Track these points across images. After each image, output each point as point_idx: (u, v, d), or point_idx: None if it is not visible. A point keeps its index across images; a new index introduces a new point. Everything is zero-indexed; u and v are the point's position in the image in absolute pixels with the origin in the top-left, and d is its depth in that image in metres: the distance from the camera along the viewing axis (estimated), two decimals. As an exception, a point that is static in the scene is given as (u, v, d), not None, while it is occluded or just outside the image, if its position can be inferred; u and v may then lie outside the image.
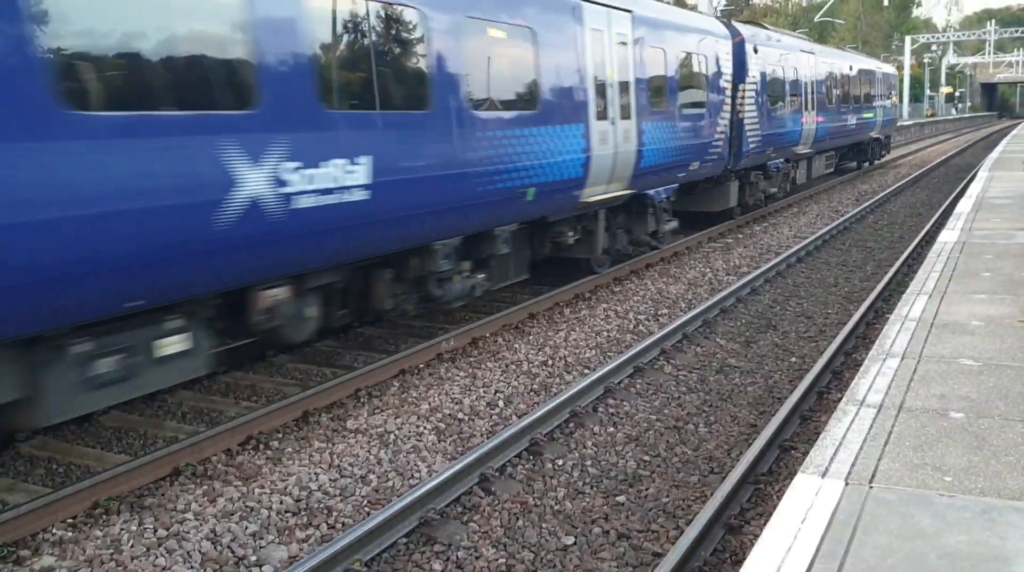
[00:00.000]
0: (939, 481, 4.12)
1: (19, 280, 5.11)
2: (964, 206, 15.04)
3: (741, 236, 17.49)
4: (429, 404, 7.85)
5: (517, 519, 5.94)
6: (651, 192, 13.57)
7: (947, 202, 21.41)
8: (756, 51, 18.04)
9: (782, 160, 20.46)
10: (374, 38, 7.69)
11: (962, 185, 23.73)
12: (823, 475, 4.20)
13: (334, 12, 7.30)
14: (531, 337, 10.03)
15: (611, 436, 7.37)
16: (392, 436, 7.16)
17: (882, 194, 24.12)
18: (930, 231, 16.99)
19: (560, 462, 6.80)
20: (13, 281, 5.08)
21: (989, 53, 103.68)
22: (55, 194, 5.19)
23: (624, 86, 12.25)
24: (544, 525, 5.87)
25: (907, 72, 68.54)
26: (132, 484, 6.18)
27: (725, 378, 9.02)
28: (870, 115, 29.35)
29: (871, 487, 4.06)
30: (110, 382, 6.03)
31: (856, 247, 16.55)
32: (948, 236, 11.79)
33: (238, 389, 8.31)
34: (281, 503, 6.00)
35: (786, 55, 20.22)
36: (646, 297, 12.14)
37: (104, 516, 5.84)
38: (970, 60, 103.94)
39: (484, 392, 8.19)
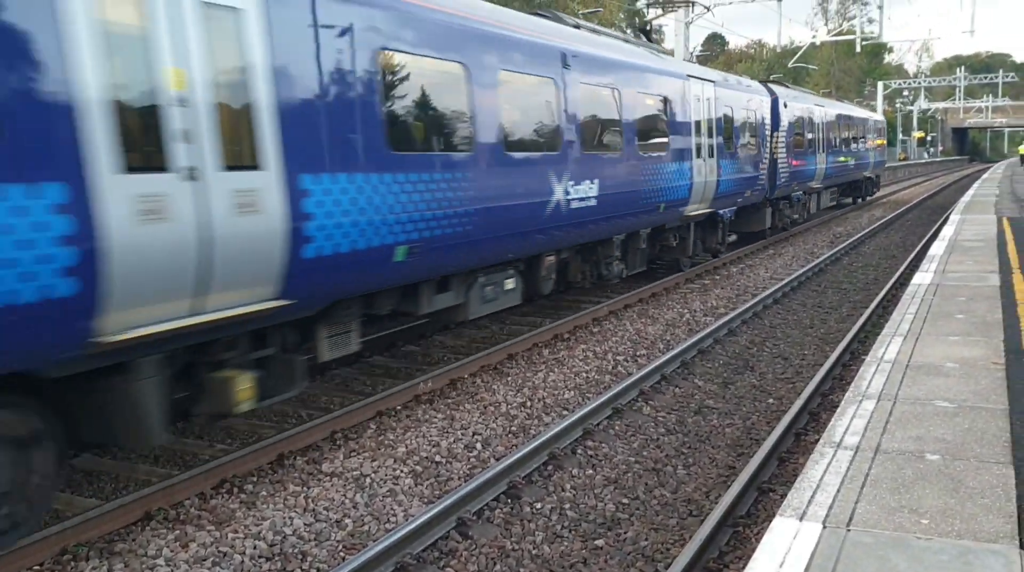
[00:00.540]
0: (916, 524, 4.12)
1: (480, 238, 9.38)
2: (937, 248, 15.24)
3: (718, 277, 17.61)
4: (406, 447, 7.79)
5: (495, 564, 5.87)
6: (722, 211, 18.22)
7: (920, 244, 21.68)
8: (786, 106, 23.02)
9: (801, 192, 25.68)
10: (613, 114, 13.05)
11: (935, 228, 24.07)
12: (801, 518, 4.19)
13: (591, 97, 12.30)
14: (510, 378, 10.01)
15: (590, 478, 7.34)
16: (368, 479, 7.08)
17: (857, 236, 24.40)
18: (904, 273, 17.17)
19: (538, 505, 6.75)
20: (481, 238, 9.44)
21: (959, 99, 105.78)
22: (494, 192, 9.67)
23: (709, 134, 16.85)
24: (522, 570, 5.81)
25: (879, 117, 69.91)
26: (102, 529, 6.06)
27: (703, 419, 9.02)
28: (865, 157, 34.97)
29: (849, 530, 4.06)
30: (489, 300, 10.54)
31: (831, 289, 16.70)
32: (922, 278, 11.93)
33: (212, 431, 8.21)
34: (255, 548, 5.91)
35: (805, 108, 25.43)
36: (625, 337, 12.16)
37: (72, 563, 5.72)
38: (941, 105, 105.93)
39: (462, 434, 8.14)
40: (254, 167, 6.49)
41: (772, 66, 72.30)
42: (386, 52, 8.00)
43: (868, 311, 13.47)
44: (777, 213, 23.76)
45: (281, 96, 6.72)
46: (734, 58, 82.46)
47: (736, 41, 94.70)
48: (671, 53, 19.08)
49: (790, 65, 57.44)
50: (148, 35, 5.74)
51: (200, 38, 6.09)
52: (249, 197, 6.41)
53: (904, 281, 15.33)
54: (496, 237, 9.83)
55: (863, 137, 34.83)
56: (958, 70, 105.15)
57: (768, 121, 21.42)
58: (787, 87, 26.28)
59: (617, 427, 8.56)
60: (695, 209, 16.32)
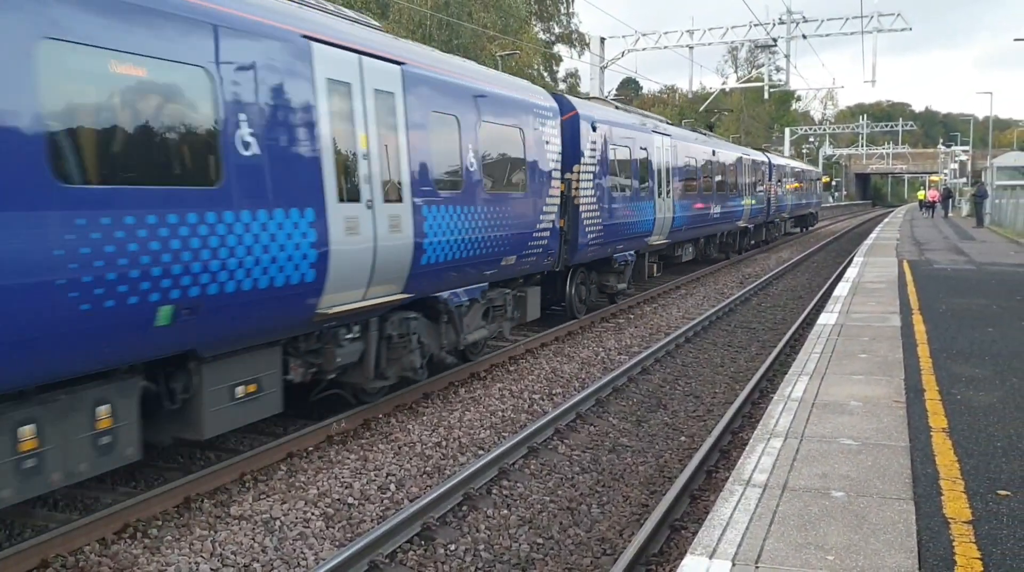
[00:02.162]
0: (822, 560, 4.21)
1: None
2: (841, 290, 15.79)
3: (632, 316, 17.86)
4: (317, 488, 7.62)
5: (407, 608, 5.76)
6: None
7: (826, 286, 22.42)
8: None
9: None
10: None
11: (840, 269, 24.95)
12: (711, 556, 4.24)
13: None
14: (425, 418, 9.92)
15: (505, 519, 7.29)
16: (278, 522, 6.90)
17: (765, 277, 25.11)
18: (810, 313, 17.71)
19: (452, 547, 6.67)
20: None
21: (862, 145, 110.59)
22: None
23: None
24: (435, 613, 5.72)
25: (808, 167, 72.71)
26: (-8, 580, 5.75)
27: (617, 457, 9.08)
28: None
29: (757, 567, 4.13)
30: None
31: (741, 328, 17.10)
32: (827, 318, 12.32)
33: (115, 474, 7.89)
34: (156, 597, 5.67)
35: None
36: (541, 376, 12.20)
37: (-42, 616, 5.39)
38: (845, 152, 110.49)
39: (375, 475, 8.01)
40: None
41: (684, 111, 74.42)
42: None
43: (776, 350, 13.83)
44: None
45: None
46: (648, 103, 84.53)
47: (650, 86, 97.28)
48: (586, 96, 19.45)
49: (701, 110, 59.16)
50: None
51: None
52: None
53: (810, 321, 15.82)
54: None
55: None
56: (861, 118, 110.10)
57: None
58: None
59: (532, 466, 8.55)
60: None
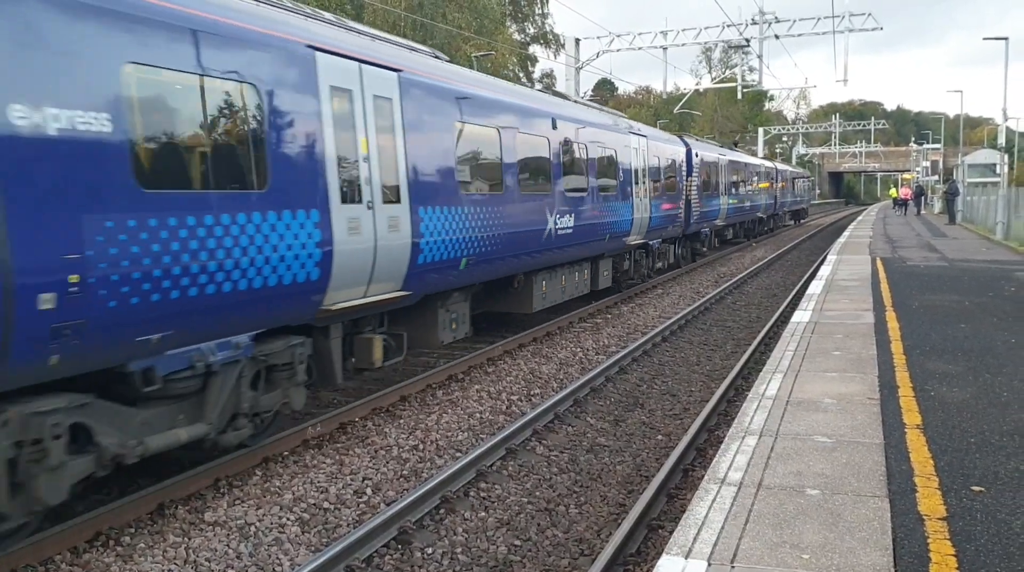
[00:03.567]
0: (797, 559, 4.22)
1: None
2: (815, 288, 15.90)
3: (610, 316, 17.89)
4: (293, 493, 7.56)
5: (384, 612, 5.72)
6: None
7: (800, 284, 22.56)
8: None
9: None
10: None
11: (813, 268, 25.12)
12: (687, 556, 4.24)
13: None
14: (402, 421, 9.87)
15: (482, 521, 7.27)
16: (253, 528, 6.84)
17: (740, 276, 25.24)
18: (784, 311, 17.82)
19: (429, 551, 6.64)
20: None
21: (835, 144, 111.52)
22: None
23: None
24: (412, 618, 5.68)
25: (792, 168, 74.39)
26: (-40, 591, 5.65)
27: (595, 457, 9.08)
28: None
29: (733, 567, 4.13)
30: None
31: (716, 327, 17.18)
32: (801, 316, 12.40)
33: (87, 482, 7.78)
34: (129, 606, 5.60)
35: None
36: (519, 377, 12.18)
37: (-75, 629, 5.30)
38: (818, 151, 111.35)
39: (351, 480, 7.96)
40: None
41: (659, 112, 74.69)
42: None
43: (751, 348, 13.90)
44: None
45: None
46: (623, 104, 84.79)
47: (624, 87, 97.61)
48: (564, 97, 19.60)
49: (676, 111, 59.39)
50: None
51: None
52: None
53: (785, 319, 15.91)
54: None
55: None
56: (833, 117, 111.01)
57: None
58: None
59: (510, 468, 8.53)
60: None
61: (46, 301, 5.58)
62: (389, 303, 9.71)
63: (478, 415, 10.24)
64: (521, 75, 51.23)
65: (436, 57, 11.90)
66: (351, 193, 8.75)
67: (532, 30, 56.32)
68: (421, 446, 9.03)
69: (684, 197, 25.04)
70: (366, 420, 9.83)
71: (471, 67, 15.14)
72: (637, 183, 19.85)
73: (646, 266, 22.29)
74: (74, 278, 5.75)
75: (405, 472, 8.28)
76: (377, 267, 9.20)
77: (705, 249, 30.22)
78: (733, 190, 33.46)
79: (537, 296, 14.76)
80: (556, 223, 14.56)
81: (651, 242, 21.80)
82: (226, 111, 7.31)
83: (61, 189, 5.68)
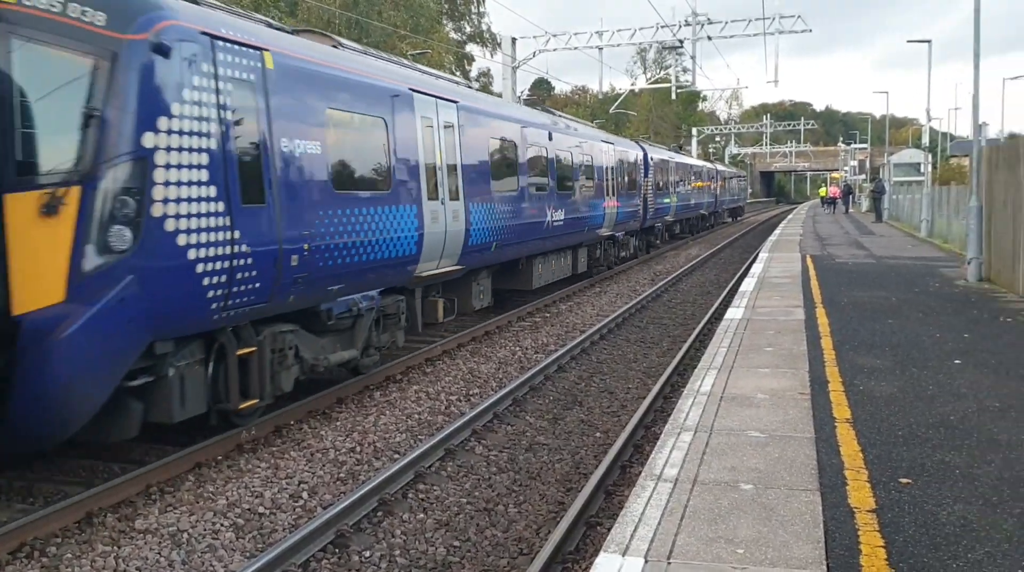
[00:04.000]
0: (732, 554, 4.28)
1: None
2: (748, 285, 16.19)
3: (548, 315, 17.96)
4: (227, 499, 7.41)
5: (321, 618, 5.64)
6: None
7: (733, 281, 22.94)
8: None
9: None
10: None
11: (746, 265, 25.57)
12: (624, 553, 4.27)
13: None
14: (339, 423, 9.76)
15: (421, 523, 7.23)
16: (186, 535, 6.69)
17: (675, 274, 25.58)
18: (719, 308, 18.09)
19: (367, 554, 6.57)
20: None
21: (766, 144, 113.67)
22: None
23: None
24: (350, 622, 5.62)
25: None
26: None
27: (534, 456, 9.10)
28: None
29: (669, 563, 4.17)
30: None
31: (653, 324, 17.37)
32: (734, 313, 12.61)
33: (11, 491, 7.54)
34: (55, 619, 5.43)
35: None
36: (458, 377, 12.15)
37: None
38: (750, 150, 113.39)
39: (287, 484, 7.84)
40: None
41: (595, 112, 75.24)
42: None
43: (686, 345, 14.08)
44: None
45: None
46: (560, 103, 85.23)
47: (561, 87, 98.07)
48: (500, 96, 19.82)
49: (611, 111, 59.90)
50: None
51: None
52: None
53: (718, 316, 16.15)
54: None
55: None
56: (765, 117, 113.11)
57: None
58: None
59: (449, 468, 8.50)
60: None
61: (295, 261, 8.89)
62: (449, 274, 13.40)
63: (416, 416, 10.18)
64: (458, 73, 51.13)
65: (475, 88, 15.84)
66: (432, 193, 12.31)
67: (469, 29, 56.26)
68: (358, 448, 8.94)
69: (642, 195, 28.83)
70: (302, 423, 9.69)
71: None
72: (608, 183, 23.68)
73: (613, 255, 26.19)
74: (306, 247, 9.09)
75: (342, 475, 8.18)
76: (446, 246, 12.81)
77: (658, 242, 34.70)
78: (681, 189, 38.26)
79: (535, 276, 18.39)
80: (552, 217, 18.36)
81: (617, 234, 25.61)
82: (371, 136, 10.87)
83: (303, 190, 9.22)
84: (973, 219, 16.57)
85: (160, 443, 8.85)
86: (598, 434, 9.92)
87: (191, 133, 7.62)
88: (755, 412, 7.07)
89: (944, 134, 77.52)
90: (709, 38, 33.36)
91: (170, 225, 7.34)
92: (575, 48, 34.03)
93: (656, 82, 62.59)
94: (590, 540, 6.85)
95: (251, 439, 8.94)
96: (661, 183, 33.02)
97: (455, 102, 13.52)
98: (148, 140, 7.17)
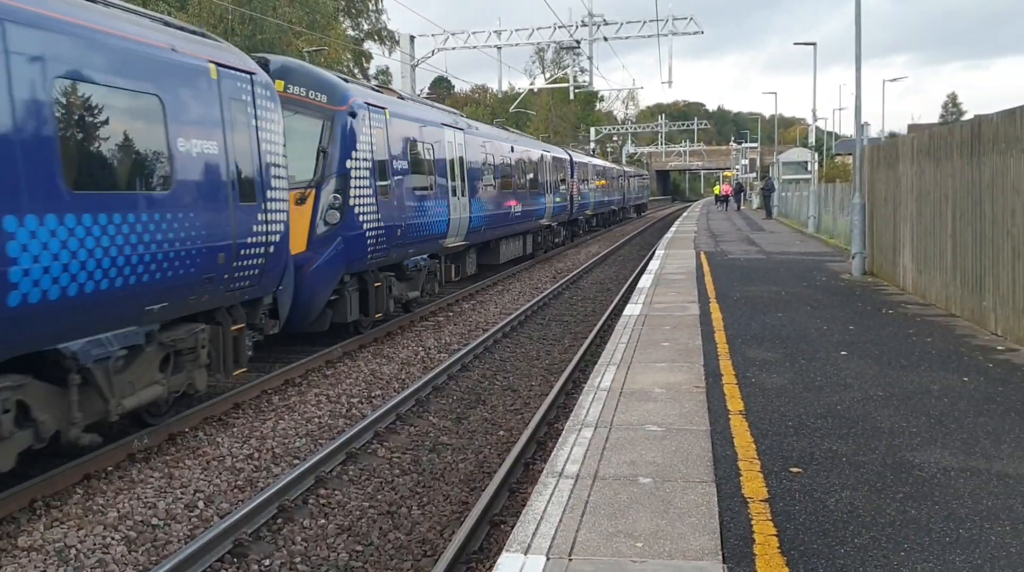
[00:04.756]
0: (631, 548, 4.35)
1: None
2: (645, 281, 16.52)
3: (451, 314, 17.94)
4: (118, 511, 7.14)
5: (219, 630, 5.49)
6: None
7: (631, 278, 23.36)
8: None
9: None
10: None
11: (643, 262, 26.08)
12: (526, 551, 4.29)
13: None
14: (236, 429, 9.52)
15: (322, 529, 7.11)
16: (73, 551, 6.41)
17: (576, 271, 25.90)
18: (618, 305, 18.38)
19: (267, 562, 6.43)
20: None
21: (661, 143, 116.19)
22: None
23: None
24: (250, 633, 5.48)
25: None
26: None
27: (438, 457, 9.07)
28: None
29: (571, 559, 4.21)
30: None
31: (555, 321, 17.54)
32: (632, 309, 12.84)
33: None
34: (-70, 646, 5.13)
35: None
36: (359, 379, 12.01)
37: None
38: (646, 150, 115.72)
39: (182, 493, 7.60)
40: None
41: (496, 111, 75.49)
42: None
43: (587, 341, 14.27)
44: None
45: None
46: (460, 102, 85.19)
47: (461, 86, 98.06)
48: (399, 95, 19.98)
49: (511, 110, 60.23)
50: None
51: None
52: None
53: (618, 312, 16.41)
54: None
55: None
56: (660, 117, 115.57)
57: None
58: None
59: (351, 472, 8.39)
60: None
61: (399, 232, 14.79)
62: (459, 247, 19.40)
63: (317, 420, 10.02)
64: (356, 71, 50.51)
65: (372, 87, 18.18)
66: (454, 190, 18.29)
67: (367, 26, 55.68)
68: (256, 455, 8.74)
69: (570, 193, 35.49)
70: (197, 430, 9.42)
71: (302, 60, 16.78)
72: (547, 183, 30.35)
73: (550, 241, 32.80)
74: (403, 225, 15.01)
75: (240, 482, 7.98)
76: (460, 228, 18.64)
77: (582, 231, 42.25)
78: (597, 187, 45.38)
79: (502, 253, 24.87)
80: (515, 209, 25.04)
81: (553, 224, 32.39)
82: (432, 156, 17.35)
83: (402, 190, 15.27)
84: (856, 215, 17.30)
85: (45, 455, 8.47)
86: (502, 432, 9.96)
87: (364, 158, 13.48)
88: (653, 406, 7.21)
89: (830, 133, 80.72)
90: (605, 39, 33.91)
91: (356, 210, 13.16)
92: (474, 47, 34.10)
93: (555, 82, 63.24)
94: (494, 539, 6.87)
95: (144, 448, 8.64)
96: (582, 182, 39.65)
97: (461, 129, 20.19)
98: (348, 164, 13.04)
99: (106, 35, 7.54)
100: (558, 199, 32.34)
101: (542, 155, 30.27)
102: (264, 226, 10.03)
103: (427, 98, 29.79)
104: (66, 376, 7.18)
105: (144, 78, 7.96)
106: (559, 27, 33.81)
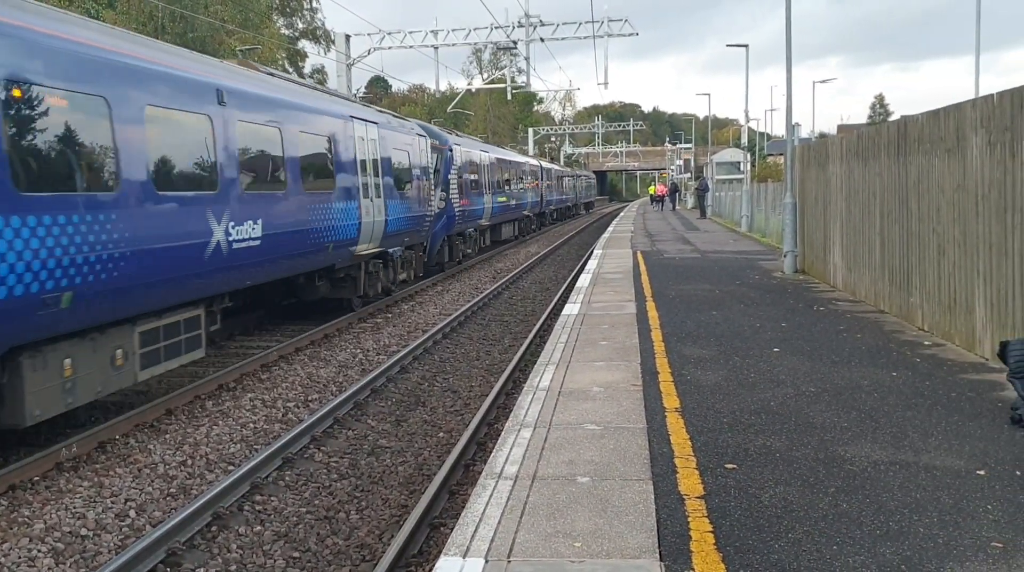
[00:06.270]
0: (570, 548, 4.36)
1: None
2: (583, 281, 16.61)
3: (391, 315, 17.81)
4: (45, 522, 6.92)
5: (152, 643, 5.36)
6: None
7: (570, 278, 23.50)
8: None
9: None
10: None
11: (582, 262, 26.26)
12: (464, 555, 4.27)
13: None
14: (168, 436, 9.31)
15: (258, 536, 6.99)
16: (-3, 566, 6.19)
17: (515, 271, 25.95)
18: (557, 304, 18.49)
19: (201, 571, 6.30)
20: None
21: (598, 144, 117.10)
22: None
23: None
24: (183, 645, 5.36)
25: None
26: None
27: (376, 460, 8.99)
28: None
29: (510, 561, 4.20)
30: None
31: (495, 322, 17.55)
32: (571, 309, 12.90)
33: None
34: None
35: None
36: (296, 383, 11.84)
37: None
38: (584, 150, 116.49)
39: (112, 502, 7.40)
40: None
41: (433, 111, 75.23)
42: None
43: (527, 341, 14.30)
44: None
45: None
46: (397, 102, 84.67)
47: (399, 86, 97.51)
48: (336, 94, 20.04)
49: (449, 110, 60.10)
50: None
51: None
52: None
53: (557, 312, 16.48)
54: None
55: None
56: (596, 118, 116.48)
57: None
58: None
59: (288, 478, 8.27)
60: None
61: (459, 218, 26.31)
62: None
63: (252, 425, 9.86)
64: (291, 70, 49.84)
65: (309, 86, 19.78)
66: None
67: (301, 25, 54.99)
68: (190, 461, 8.56)
69: (540, 191, 47.67)
70: (128, 437, 9.19)
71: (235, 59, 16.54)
72: (528, 182, 42.21)
73: (528, 227, 43.78)
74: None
75: (173, 490, 7.81)
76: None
77: (548, 222, 53.44)
78: (557, 187, 56.93)
79: (503, 234, 36.29)
80: (508, 201, 35.51)
81: (531, 214, 44.02)
82: (404, 158, 20.34)
83: (467, 190, 27.98)
84: (788, 214, 17.65)
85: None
86: (442, 434, 9.92)
87: (457, 175, 25.69)
88: (591, 405, 7.25)
89: (762, 134, 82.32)
90: (542, 39, 34.04)
91: (452, 199, 25.05)
92: (411, 47, 33.93)
93: (492, 82, 63.25)
94: (434, 542, 6.83)
95: (72, 457, 8.39)
96: (548, 183, 51.19)
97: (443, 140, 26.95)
98: (450, 175, 25.18)
99: (415, 152, 20.87)
100: (536, 195, 45.81)
101: (524, 160, 44.22)
102: (429, 208, 22.12)
103: (364, 98, 29.58)
104: (389, 261, 18.50)
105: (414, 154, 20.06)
106: (496, 27, 33.85)
